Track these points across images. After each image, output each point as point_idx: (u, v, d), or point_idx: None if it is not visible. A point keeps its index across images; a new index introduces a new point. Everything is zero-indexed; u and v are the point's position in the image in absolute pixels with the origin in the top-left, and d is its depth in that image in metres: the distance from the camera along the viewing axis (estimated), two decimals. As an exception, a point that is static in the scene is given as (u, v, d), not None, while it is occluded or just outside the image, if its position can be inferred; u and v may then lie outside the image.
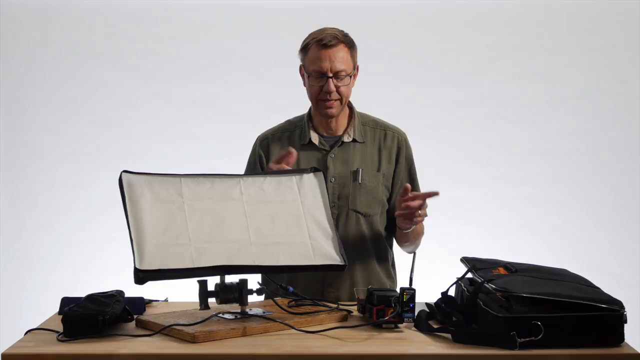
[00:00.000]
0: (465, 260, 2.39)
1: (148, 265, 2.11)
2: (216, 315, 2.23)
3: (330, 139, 2.75)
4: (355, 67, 2.70)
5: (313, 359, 2.02)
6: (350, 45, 2.66)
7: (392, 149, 2.77)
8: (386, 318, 2.20)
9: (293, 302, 2.42)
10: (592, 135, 4.70)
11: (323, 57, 2.62)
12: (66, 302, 2.35)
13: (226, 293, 2.25)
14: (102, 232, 4.48)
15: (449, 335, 2.12)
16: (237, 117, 4.58)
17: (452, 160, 4.66)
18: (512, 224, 4.62)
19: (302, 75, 2.72)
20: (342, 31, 2.68)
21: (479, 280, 2.21)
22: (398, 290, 2.28)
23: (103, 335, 2.10)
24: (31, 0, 4.61)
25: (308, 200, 2.41)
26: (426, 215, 2.55)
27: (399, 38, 4.66)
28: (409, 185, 2.52)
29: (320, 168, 2.54)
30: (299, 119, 2.81)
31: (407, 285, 2.46)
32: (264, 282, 2.50)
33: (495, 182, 4.67)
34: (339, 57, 2.62)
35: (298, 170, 2.53)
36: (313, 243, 2.32)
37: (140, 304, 2.40)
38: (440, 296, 2.31)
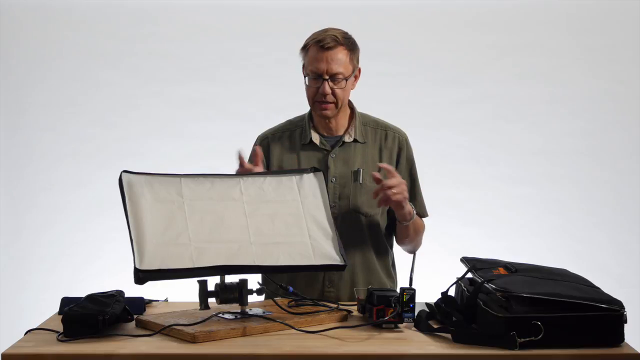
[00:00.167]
0: (465, 260, 2.39)
1: (148, 265, 2.11)
2: (216, 315, 2.23)
3: (331, 139, 2.75)
4: (356, 70, 2.69)
5: (313, 359, 2.02)
6: (350, 47, 2.65)
7: (393, 149, 2.77)
8: (386, 318, 2.20)
9: (293, 302, 2.42)
10: (592, 135, 4.70)
11: (320, 59, 2.62)
12: (66, 302, 2.35)
13: (226, 293, 2.25)
14: (102, 232, 4.48)
15: (449, 335, 2.12)
16: (237, 117, 4.58)
17: (452, 160, 4.66)
18: (512, 224, 4.62)
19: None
20: (345, 33, 2.67)
21: (479, 280, 2.21)
22: (398, 290, 2.28)
23: (103, 335, 2.10)
24: (31, 0, 4.61)
25: (308, 200, 2.41)
26: (404, 192, 2.51)
27: (399, 38, 4.66)
28: (375, 173, 2.51)
29: (321, 168, 2.55)
30: (300, 118, 2.81)
31: (407, 285, 2.47)
32: (264, 282, 2.50)
33: (495, 182, 4.67)
34: (337, 60, 2.62)
35: (298, 170, 2.53)
36: (313, 243, 2.32)
37: (140, 304, 2.40)
38: (440, 296, 2.31)
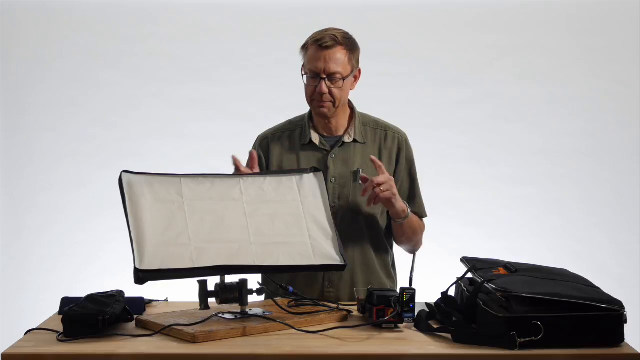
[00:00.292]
0: (465, 260, 2.39)
1: (148, 265, 2.11)
2: (216, 315, 2.23)
3: (330, 139, 2.75)
4: (356, 70, 2.69)
5: (313, 359, 2.02)
6: (350, 48, 2.65)
7: (393, 149, 2.77)
8: (386, 318, 2.20)
9: (293, 302, 2.42)
10: (592, 135, 4.70)
11: (318, 58, 2.62)
12: (66, 302, 2.35)
13: (226, 293, 2.25)
14: (102, 232, 4.48)
15: (449, 335, 2.12)
16: (237, 117, 4.58)
17: (452, 160, 4.66)
18: (512, 224, 4.62)
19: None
20: (346, 33, 2.67)
21: (479, 280, 2.21)
22: (398, 290, 2.28)
23: (103, 335, 2.10)
24: (31, 0, 4.61)
25: (308, 200, 2.41)
26: (392, 188, 2.53)
27: (399, 38, 4.66)
28: (363, 174, 2.53)
29: (320, 168, 2.55)
30: (300, 118, 2.81)
31: (407, 285, 2.47)
32: (264, 282, 2.50)
33: (495, 182, 4.67)
34: (335, 59, 2.62)
35: (298, 170, 2.53)
36: (313, 243, 2.32)
37: (140, 304, 2.40)
38: (440, 296, 2.31)
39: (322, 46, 2.61)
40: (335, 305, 2.41)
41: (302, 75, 2.67)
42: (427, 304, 2.32)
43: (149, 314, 2.32)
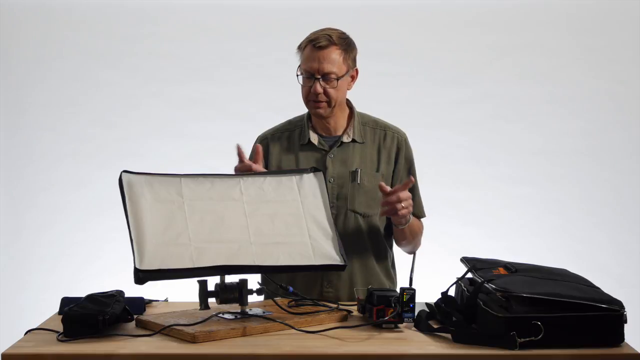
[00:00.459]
0: (465, 260, 2.39)
1: (148, 265, 2.11)
2: (216, 315, 2.23)
3: (329, 139, 2.75)
4: (352, 70, 2.69)
5: (313, 359, 2.02)
6: (345, 47, 2.65)
7: (392, 149, 2.77)
8: (386, 318, 2.20)
9: (293, 302, 2.42)
10: (592, 135, 4.70)
11: (313, 58, 2.62)
12: (66, 302, 2.35)
13: (226, 293, 2.25)
14: (102, 232, 4.48)
15: (449, 335, 2.12)
16: (237, 117, 4.58)
17: (452, 160, 4.66)
18: (512, 224, 4.62)
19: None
20: (342, 33, 2.67)
21: (479, 280, 2.21)
22: (398, 290, 2.28)
23: (103, 335, 2.10)
24: (31, 0, 4.61)
25: (308, 200, 2.41)
26: (410, 206, 2.52)
27: (399, 38, 4.66)
28: (383, 184, 2.52)
29: (319, 168, 2.54)
30: (299, 118, 2.81)
31: (407, 285, 2.46)
32: (264, 282, 2.49)
33: (495, 182, 4.67)
34: (329, 59, 2.62)
35: (298, 170, 2.53)
36: (313, 243, 2.32)
37: (140, 304, 2.40)
38: (440, 296, 2.31)
39: (316, 46, 2.62)
40: (335, 305, 2.41)
41: (297, 75, 2.68)
42: (427, 304, 2.32)
43: (149, 314, 2.32)
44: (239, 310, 2.27)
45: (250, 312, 2.28)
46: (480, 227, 4.58)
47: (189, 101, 4.67)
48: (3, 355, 1.99)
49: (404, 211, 2.50)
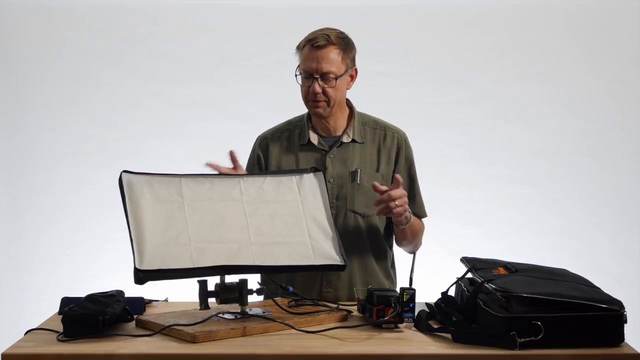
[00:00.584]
0: (465, 260, 2.39)
1: (148, 265, 2.11)
2: (216, 315, 2.23)
3: (329, 139, 2.75)
4: (351, 69, 2.68)
5: (313, 359, 2.02)
6: (343, 47, 2.65)
7: (392, 149, 2.77)
8: (386, 318, 2.20)
9: (293, 302, 2.42)
10: (592, 135, 4.70)
11: (312, 58, 2.62)
12: (66, 302, 2.35)
13: (226, 293, 2.25)
14: (102, 232, 4.48)
15: (449, 335, 2.12)
16: (237, 117, 4.58)
17: (452, 160, 4.66)
18: (512, 224, 4.62)
19: (300, 74, 2.72)
20: (341, 33, 2.67)
21: (479, 280, 2.21)
22: (398, 290, 2.28)
23: (103, 335, 2.10)
24: (31, 0, 4.61)
25: (308, 200, 2.41)
26: (406, 204, 2.51)
27: (399, 38, 4.66)
28: (375, 183, 2.51)
29: (319, 168, 2.54)
30: (299, 119, 2.81)
31: (407, 285, 2.46)
32: (264, 282, 2.49)
33: (495, 182, 4.67)
34: (327, 59, 2.61)
35: (298, 170, 2.53)
36: (313, 243, 2.32)
37: (140, 304, 2.40)
38: (440, 296, 2.31)
39: (314, 46, 2.62)
40: (335, 305, 2.41)
41: (296, 75, 2.68)
42: (427, 304, 2.32)
43: (149, 314, 2.32)
44: (239, 310, 2.27)
45: (250, 312, 2.28)
46: (480, 227, 4.58)
47: (189, 101, 4.67)
48: (3, 355, 1.99)
49: (398, 209, 2.50)
